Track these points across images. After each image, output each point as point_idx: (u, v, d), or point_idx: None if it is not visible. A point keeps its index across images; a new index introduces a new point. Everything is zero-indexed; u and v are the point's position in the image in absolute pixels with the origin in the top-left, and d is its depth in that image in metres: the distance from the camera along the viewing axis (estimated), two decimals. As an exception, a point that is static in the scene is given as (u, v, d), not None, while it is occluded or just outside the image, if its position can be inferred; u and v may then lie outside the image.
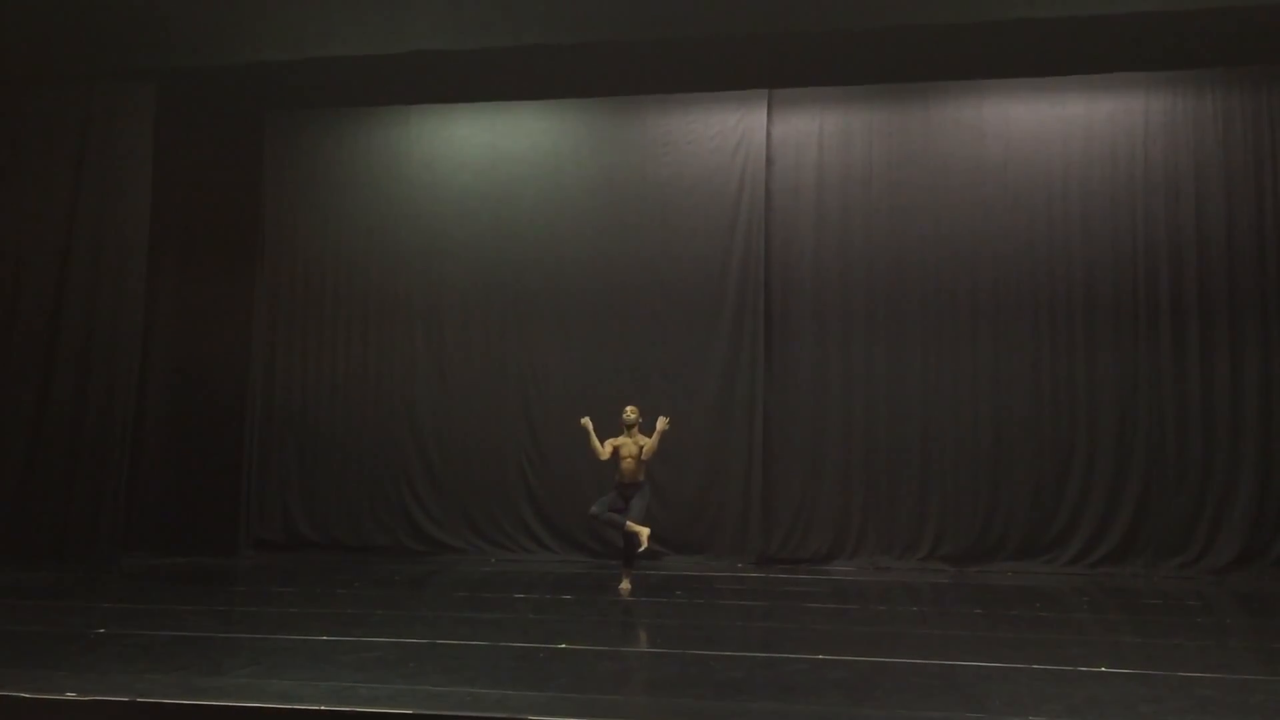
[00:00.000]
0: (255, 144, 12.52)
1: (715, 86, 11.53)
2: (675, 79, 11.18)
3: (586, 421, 9.53)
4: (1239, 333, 10.82)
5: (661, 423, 9.27)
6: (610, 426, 9.51)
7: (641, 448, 9.32)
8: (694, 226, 11.82)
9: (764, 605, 9.00)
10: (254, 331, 12.40)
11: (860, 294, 11.55)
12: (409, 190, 12.44)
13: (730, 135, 11.87)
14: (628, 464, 9.36)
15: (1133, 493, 10.87)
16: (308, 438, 12.32)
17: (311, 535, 12.13)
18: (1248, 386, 10.75)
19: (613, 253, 11.91)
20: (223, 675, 5.57)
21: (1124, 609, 9.02)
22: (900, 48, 10.20)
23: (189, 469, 12.11)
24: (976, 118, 11.52)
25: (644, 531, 9.24)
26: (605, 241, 11.94)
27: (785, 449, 11.51)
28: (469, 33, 10.00)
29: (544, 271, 12.02)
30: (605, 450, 9.42)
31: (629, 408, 9.51)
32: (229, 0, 10.32)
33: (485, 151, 12.34)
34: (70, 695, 4.97)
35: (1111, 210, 11.20)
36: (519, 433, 11.92)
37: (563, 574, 10.65)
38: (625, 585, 9.27)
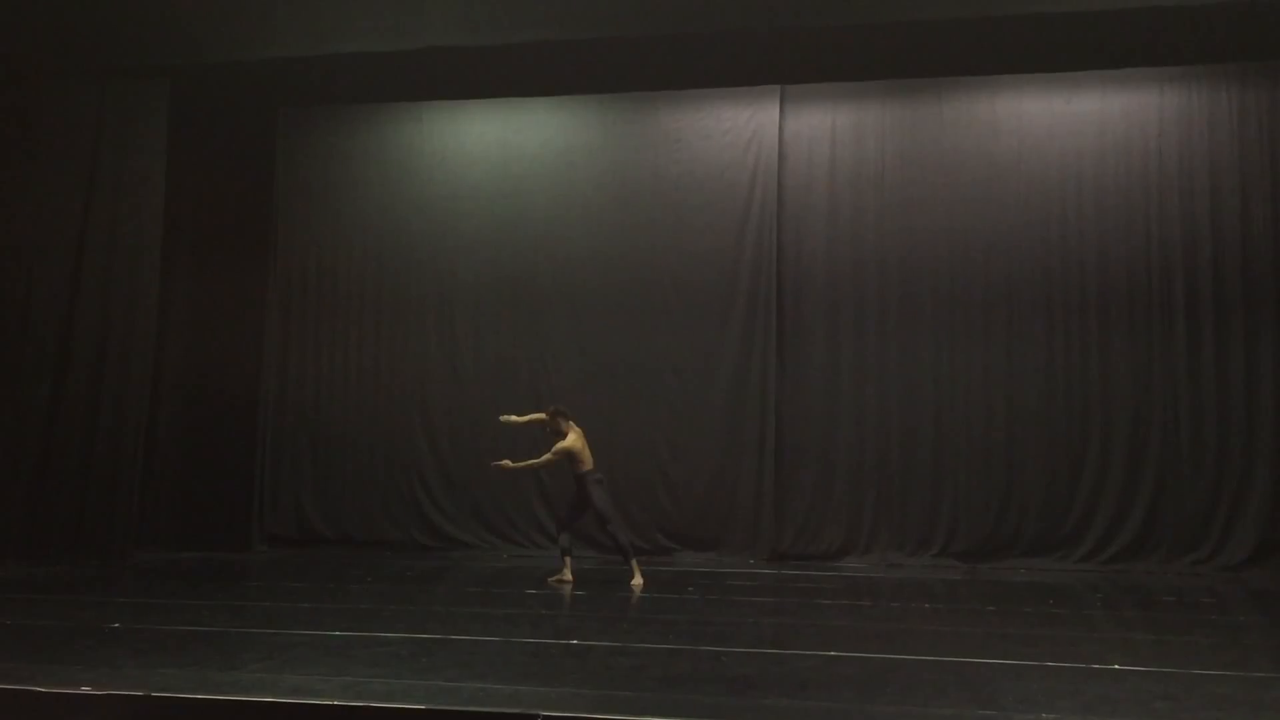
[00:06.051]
0: (268, 140, 12.54)
1: (728, 82, 11.51)
2: (688, 75, 11.17)
3: (511, 417, 9.70)
4: (1253, 328, 10.76)
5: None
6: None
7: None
8: (706, 222, 11.80)
9: (776, 601, 8.99)
10: (266, 326, 12.43)
11: (872, 290, 11.53)
12: (421, 186, 12.45)
13: (742, 131, 11.85)
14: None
15: (1146, 489, 10.84)
16: (320, 433, 12.36)
17: (324, 530, 12.18)
18: (1262, 382, 10.69)
19: (624, 248, 11.91)
20: (236, 670, 5.58)
21: (1137, 606, 8.98)
22: (913, 43, 10.17)
23: (202, 464, 12.15)
24: (990, 113, 11.48)
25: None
26: (617, 237, 11.94)
27: (797, 445, 11.49)
28: (481, 29, 10.02)
29: (556, 267, 12.03)
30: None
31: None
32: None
33: (497, 148, 12.35)
34: (85, 689, 4.99)
35: (1125, 206, 11.15)
36: (531, 428, 11.89)
37: (574, 569, 10.64)
38: (637, 581, 9.31)
